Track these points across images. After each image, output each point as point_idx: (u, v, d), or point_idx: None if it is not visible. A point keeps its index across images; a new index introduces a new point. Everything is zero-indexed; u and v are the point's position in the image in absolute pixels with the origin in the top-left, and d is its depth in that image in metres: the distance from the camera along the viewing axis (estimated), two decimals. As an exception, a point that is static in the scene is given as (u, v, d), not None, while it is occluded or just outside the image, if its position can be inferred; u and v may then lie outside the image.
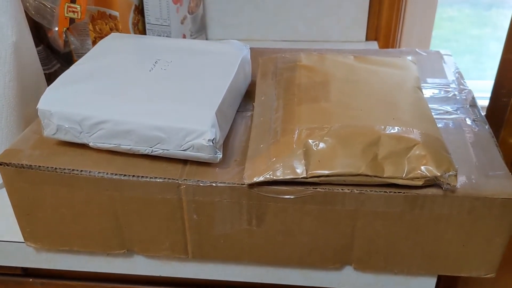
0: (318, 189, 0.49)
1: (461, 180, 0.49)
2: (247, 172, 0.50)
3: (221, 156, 0.51)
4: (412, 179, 0.48)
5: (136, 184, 0.51)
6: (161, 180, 0.50)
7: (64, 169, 0.51)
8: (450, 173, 0.47)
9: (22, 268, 0.63)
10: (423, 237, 0.51)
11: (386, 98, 0.55)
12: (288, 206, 0.50)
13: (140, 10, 0.89)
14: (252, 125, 0.57)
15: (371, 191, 0.48)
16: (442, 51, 0.73)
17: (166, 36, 0.90)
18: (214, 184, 0.50)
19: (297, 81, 0.59)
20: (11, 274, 0.64)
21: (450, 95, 0.63)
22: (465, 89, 0.64)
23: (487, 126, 0.57)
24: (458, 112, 0.60)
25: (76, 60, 0.76)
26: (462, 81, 0.66)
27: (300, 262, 0.54)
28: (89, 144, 0.53)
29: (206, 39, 1.02)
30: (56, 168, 0.51)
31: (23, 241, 0.58)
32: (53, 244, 0.57)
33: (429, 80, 0.66)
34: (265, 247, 0.53)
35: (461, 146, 0.54)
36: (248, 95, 0.63)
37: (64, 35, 0.80)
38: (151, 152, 0.51)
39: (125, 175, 0.51)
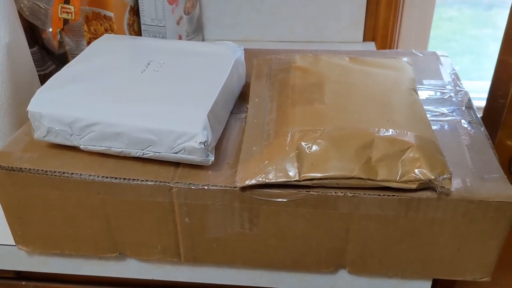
0: (311, 192, 0.48)
1: (456, 183, 0.49)
2: (240, 175, 0.49)
3: (213, 159, 0.50)
4: (406, 182, 0.47)
5: (128, 187, 0.50)
6: (152, 183, 0.50)
7: (55, 172, 0.51)
8: (445, 176, 0.47)
9: (14, 271, 0.62)
10: (417, 241, 0.50)
11: (380, 100, 0.55)
12: (280, 209, 0.49)
13: (135, 11, 0.88)
14: (245, 127, 0.56)
15: (364, 194, 0.48)
16: (439, 52, 0.72)
17: (162, 37, 0.89)
18: (206, 187, 0.49)
19: (291, 82, 0.59)
20: (4, 277, 0.63)
21: (446, 97, 0.62)
22: (461, 91, 0.63)
23: (482, 128, 0.57)
24: (454, 114, 0.59)
25: (70, 61, 0.76)
26: (458, 82, 0.65)
27: (294, 265, 0.54)
28: (80, 146, 0.52)
29: (203, 39, 1.01)
30: (47, 171, 0.51)
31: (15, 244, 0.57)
32: (45, 248, 0.56)
33: (425, 81, 0.65)
34: (258, 251, 0.53)
35: (456, 148, 0.53)
36: (242, 97, 0.63)
37: (58, 36, 0.80)
38: (143, 154, 0.51)
39: (116, 178, 0.50)
